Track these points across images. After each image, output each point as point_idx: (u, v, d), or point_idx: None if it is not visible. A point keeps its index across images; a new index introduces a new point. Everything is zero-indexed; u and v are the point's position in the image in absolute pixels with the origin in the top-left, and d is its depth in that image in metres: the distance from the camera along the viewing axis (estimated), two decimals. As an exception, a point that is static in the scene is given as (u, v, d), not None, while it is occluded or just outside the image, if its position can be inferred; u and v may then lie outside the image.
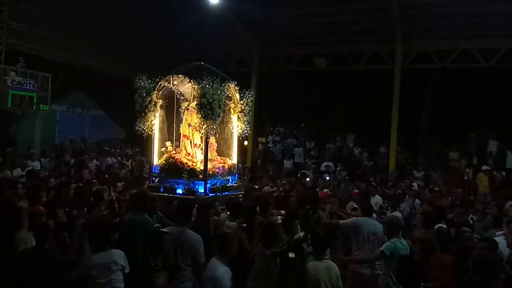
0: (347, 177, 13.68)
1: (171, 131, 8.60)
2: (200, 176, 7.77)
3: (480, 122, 16.11)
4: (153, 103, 8.10)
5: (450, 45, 15.09)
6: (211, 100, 7.44)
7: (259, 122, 17.29)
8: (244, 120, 8.48)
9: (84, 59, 15.56)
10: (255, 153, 17.52)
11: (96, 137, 18.02)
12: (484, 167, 13.95)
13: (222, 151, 8.72)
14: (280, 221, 6.22)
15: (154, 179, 8.26)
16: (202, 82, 7.55)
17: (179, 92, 8.39)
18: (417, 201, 10.33)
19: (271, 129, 18.24)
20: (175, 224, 5.42)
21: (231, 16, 15.14)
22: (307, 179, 12.80)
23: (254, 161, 16.98)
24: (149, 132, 8.20)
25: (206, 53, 16.62)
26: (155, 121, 8.27)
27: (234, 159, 8.70)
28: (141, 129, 8.09)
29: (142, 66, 17.40)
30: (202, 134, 7.82)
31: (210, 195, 7.69)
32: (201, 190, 7.70)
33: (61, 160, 14.36)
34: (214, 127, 7.66)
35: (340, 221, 6.63)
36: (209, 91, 7.47)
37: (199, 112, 7.58)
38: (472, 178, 14.37)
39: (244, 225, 6.04)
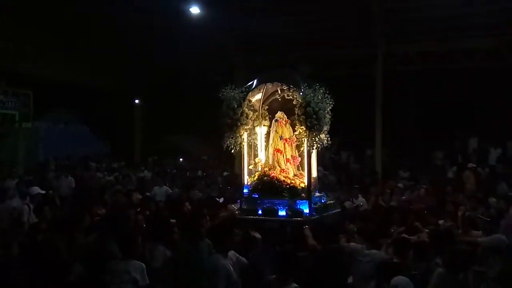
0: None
1: (251, 146, 7.62)
2: (303, 195, 6.83)
3: (463, 121, 16.39)
4: (245, 115, 7.03)
5: (431, 46, 15.28)
6: (317, 109, 6.59)
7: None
8: (324, 130, 7.25)
9: (67, 75, 15.30)
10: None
11: (80, 152, 17.71)
12: (470, 165, 13.91)
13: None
14: None
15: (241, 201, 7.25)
16: (304, 89, 6.73)
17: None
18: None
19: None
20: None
21: (213, 26, 15.01)
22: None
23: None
24: (238, 148, 7.13)
25: (189, 62, 16.67)
26: (244, 136, 7.19)
27: (313, 173, 7.49)
28: (231, 145, 7.03)
29: (126, 81, 17.49)
30: (307, 146, 6.87)
31: (315, 215, 6.72)
32: (306, 210, 6.71)
33: (44, 177, 14.07)
34: (319, 138, 6.79)
35: (479, 238, 6.38)
36: (313, 99, 6.62)
37: (303, 123, 6.67)
38: (454, 176, 14.32)
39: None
